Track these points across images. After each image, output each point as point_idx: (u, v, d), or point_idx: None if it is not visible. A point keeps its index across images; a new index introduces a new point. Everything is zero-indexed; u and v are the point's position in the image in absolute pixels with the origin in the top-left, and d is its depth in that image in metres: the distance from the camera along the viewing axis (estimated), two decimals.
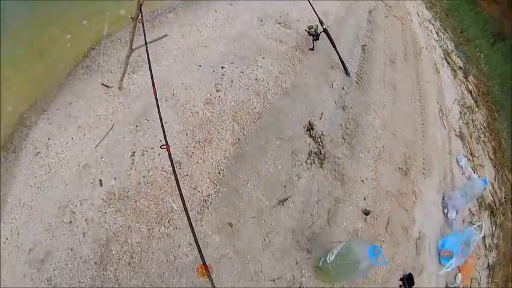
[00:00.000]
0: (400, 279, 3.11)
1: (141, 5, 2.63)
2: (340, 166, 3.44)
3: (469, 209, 4.22)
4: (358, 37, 5.60)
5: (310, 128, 3.60)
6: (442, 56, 6.69)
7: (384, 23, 6.80)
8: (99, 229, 2.49)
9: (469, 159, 4.72)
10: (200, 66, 3.71)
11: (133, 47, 2.89)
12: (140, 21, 2.69)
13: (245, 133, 3.30)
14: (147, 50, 2.59)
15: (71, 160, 2.81)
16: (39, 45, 3.62)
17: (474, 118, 5.58)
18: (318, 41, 4.63)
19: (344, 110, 4.02)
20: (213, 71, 3.70)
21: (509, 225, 4.56)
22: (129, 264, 2.41)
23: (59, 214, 2.52)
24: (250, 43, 4.24)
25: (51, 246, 2.39)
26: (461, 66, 6.81)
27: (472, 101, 5.98)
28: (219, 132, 3.24)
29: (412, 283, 3.11)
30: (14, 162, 2.78)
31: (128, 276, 2.37)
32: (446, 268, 3.36)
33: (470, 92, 6.26)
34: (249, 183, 3.00)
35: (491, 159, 5.19)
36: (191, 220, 1.88)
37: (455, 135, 4.93)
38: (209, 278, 1.67)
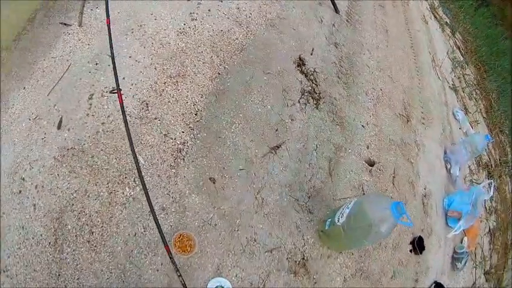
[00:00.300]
0: (410, 243, 2.65)
1: None
2: (337, 108, 2.94)
3: (469, 167, 3.81)
4: None
5: (301, 63, 3.06)
6: (429, 9, 6.26)
7: None
8: (50, 198, 1.90)
9: (466, 114, 4.32)
10: None
11: None
12: None
13: (226, 66, 2.71)
14: None
15: (21, 113, 2.19)
16: None
17: (465, 73, 5.22)
18: None
19: (336, 47, 3.49)
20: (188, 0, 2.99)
21: (506, 189, 4.21)
22: (88, 242, 1.82)
23: (8, 184, 1.95)
24: None
25: (2, 226, 1.83)
26: (448, 22, 6.44)
27: (461, 57, 5.60)
28: (194, 65, 2.61)
29: (423, 247, 2.65)
30: None
31: (89, 259, 1.78)
32: (455, 231, 2.91)
33: (459, 48, 5.94)
34: (234, 126, 2.43)
35: (484, 117, 4.85)
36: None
37: (449, 87, 4.56)
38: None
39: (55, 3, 2.87)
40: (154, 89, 2.37)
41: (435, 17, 6.15)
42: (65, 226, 1.82)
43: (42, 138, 2.06)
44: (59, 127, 2.10)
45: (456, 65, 5.18)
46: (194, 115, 2.35)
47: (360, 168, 2.71)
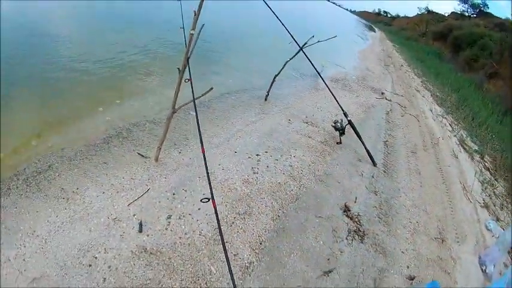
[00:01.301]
0: None
1: (188, 57, 3.15)
2: (379, 241, 3.64)
3: (504, 263, 4.22)
4: (379, 135, 6.29)
5: (346, 209, 3.91)
6: (458, 143, 7.16)
7: (402, 121, 7.57)
8: (123, 278, 2.51)
9: (497, 221, 4.86)
10: (236, 152, 4.25)
11: (175, 107, 3.42)
12: (187, 80, 3.23)
13: (284, 211, 3.61)
14: (195, 105, 3.04)
15: (100, 211, 3.04)
16: (78, 111, 4.57)
17: (495, 190, 5.78)
18: (343, 135, 5.19)
19: (376, 194, 4.36)
20: (249, 157, 4.22)
21: None
22: None
23: (77, 256, 2.59)
24: (282, 137, 4.88)
25: (62, 283, 2.41)
26: (477, 149, 7.26)
27: (491, 176, 6.25)
28: (258, 207, 3.55)
29: None
30: (39, 198, 3.08)
31: None
32: None
33: (488, 169, 6.56)
34: (292, 255, 3.14)
35: None
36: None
37: (481, 206, 5.08)
38: None
39: (131, 132, 4.20)
40: (225, 220, 3.25)
41: (464, 148, 7.00)
42: None
43: (121, 235, 2.81)
44: (140, 231, 2.87)
45: (486, 185, 5.77)
46: (259, 244, 3.13)
47: (402, 282, 3.25)
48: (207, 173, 2.64)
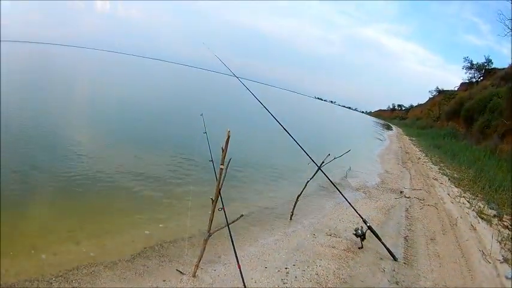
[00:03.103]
0: None
1: (219, 188, 3.84)
2: None
3: None
4: (399, 232, 6.98)
5: None
6: (476, 215, 7.74)
7: (421, 214, 8.32)
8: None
9: None
10: (266, 267, 5.02)
11: (211, 231, 4.12)
12: (220, 209, 3.90)
13: None
14: (229, 229, 3.79)
15: None
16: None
17: None
18: (364, 240, 5.93)
19: (397, 284, 4.97)
20: (278, 271, 4.96)
21: None
22: None
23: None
24: (308, 251, 5.69)
25: None
26: (495, 214, 7.74)
27: (509, 232, 6.71)
28: None
29: None
30: None
31: None
32: None
33: (507, 227, 7.00)
34: None
35: None
36: None
37: (500, 262, 5.53)
38: None
39: (169, 246, 5.06)
40: None
41: (482, 218, 7.57)
42: None
43: None
44: None
45: (505, 242, 6.24)
46: None
47: None
48: (244, 286, 3.47)
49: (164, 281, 4.31)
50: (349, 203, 6.23)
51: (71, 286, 4.02)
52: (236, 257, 3.65)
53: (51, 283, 4.03)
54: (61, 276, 4.18)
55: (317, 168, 6.53)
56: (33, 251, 4.64)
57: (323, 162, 6.76)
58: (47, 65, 44.22)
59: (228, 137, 3.62)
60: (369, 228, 5.86)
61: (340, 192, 6.39)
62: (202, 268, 4.58)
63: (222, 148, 3.66)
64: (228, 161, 3.76)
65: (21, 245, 4.76)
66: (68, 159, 8.63)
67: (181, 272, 4.51)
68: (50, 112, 14.13)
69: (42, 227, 5.41)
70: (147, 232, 5.69)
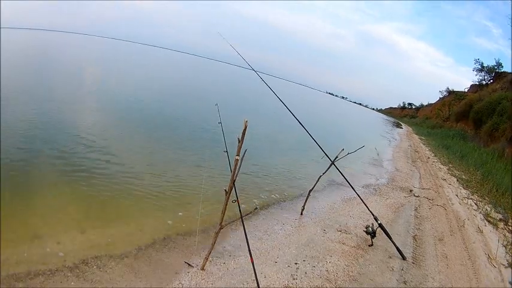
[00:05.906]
0: None
1: (234, 180, 3.77)
2: None
3: None
4: (408, 231, 7.05)
5: None
6: (483, 218, 7.79)
7: (429, 214, 8.37)
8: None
9: None
10: (276, 262, 5.09)
11: (222, 224, 4.05)
12: (234, 201, 3.86)
13: None
14: (242, 222, 3.80)
15: None
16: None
17: None
18: (375, 237, 5.96)
19: (405, 283, 5.06)
20: (288, 266, 5.03)
21: None
22: None
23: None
24: (318, 247, 5.78)
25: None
26: (502, 217, 7.76)
27: None
28: None
29: None
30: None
31: None
32: None
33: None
34: None
35: None
36: None
37: (505, 267, 5.61)
38: None
39: (178, 238, 5.03)
40: None
41: (489, 221, 7.65)
42: None
43: None
44: None
45: (510, 247, 6.32)
46: None
47: None
48: (256, 279, 3.50)
49: (174, 273, 4.34)
50: (362, 200, 6.24)
51: (75, 275, 3.99)
52: (249, 250, 3.66)
53: (54, 273, 3.98)
54: (67, 267, 4.13)
55: (330, 163, 6.56)
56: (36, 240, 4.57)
57: (337, 157, 6.78)
58: (59, 53, 43.72)
59: (246, 127, 3.53)
60: (380, 226, 5.88)
61: (353, 189, 6.44)
62: (211, 261, 4.62)
63: (238, 138, 3.57)
64: (243, 152, 3.71)
65: (23, 232, 4.68)
66: (80, 145, 8.62)
67: (189, 265, 4.51)
68: (64, 101, 14.08)
69: (47, 214, 5.31)
70: (158, 223, 5.67)
